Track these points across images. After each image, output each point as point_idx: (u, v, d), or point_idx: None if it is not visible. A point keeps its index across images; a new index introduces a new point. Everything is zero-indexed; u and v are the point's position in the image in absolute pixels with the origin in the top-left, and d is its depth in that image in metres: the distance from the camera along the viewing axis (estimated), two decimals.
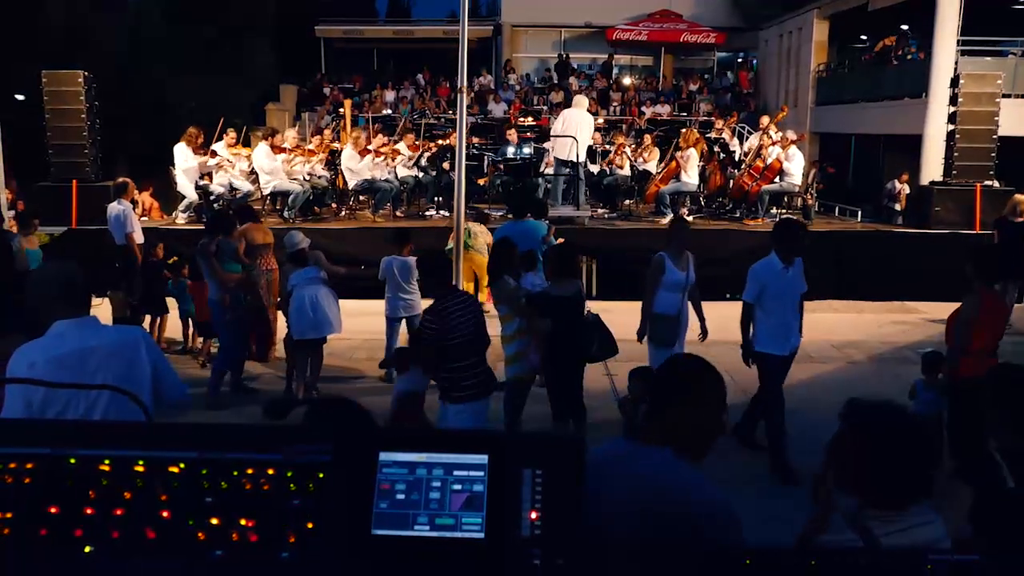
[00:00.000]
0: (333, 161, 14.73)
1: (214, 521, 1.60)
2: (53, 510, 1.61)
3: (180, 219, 13.43)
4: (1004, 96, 14.12)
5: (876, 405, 2.39)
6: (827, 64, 23.56)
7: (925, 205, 13.93)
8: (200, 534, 1.59)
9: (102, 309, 10.11)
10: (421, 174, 15.03)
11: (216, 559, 1.57)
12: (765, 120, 14.81)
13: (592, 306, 7.16)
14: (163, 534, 1.60)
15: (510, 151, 15.40)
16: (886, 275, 12.74)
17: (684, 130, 15.00)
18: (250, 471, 1.65)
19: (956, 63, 16.82)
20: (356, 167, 13.76)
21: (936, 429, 6.21)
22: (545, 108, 23.76)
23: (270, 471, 1.65)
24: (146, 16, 26.28)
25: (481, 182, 15.81)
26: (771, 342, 6.60)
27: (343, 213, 14.45)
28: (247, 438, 1.72)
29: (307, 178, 14.05)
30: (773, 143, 13.89)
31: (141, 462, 1.66)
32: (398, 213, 14.50)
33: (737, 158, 15.14)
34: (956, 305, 6.12)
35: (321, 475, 1.65)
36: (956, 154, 13.57)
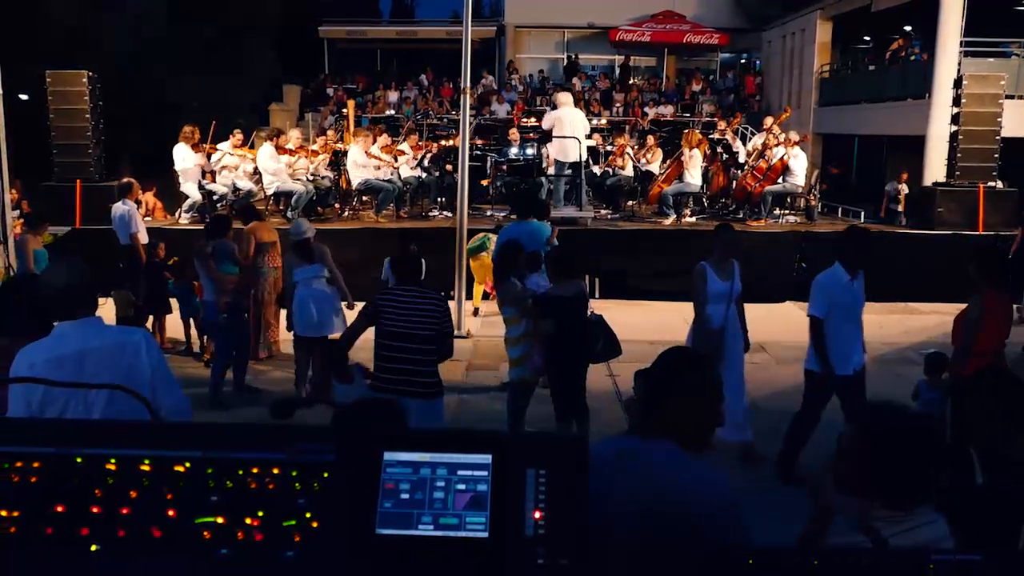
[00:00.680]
0: (336, 162, 14.75)
1: (219, 520, 1.61)
2: (59, 509, 1.62)
3: (183, 219, 13.46)
4: (1007, 97, 14.12)
5: (883, 406, 2.40)
6: (830, 65, 23.55)
7: (928, 206, 13.91)
8: (205, 533, 1.60)
9: (105, 309, 10.14)
10: (424, 174, 15.04)
11: (221, 558, 1.58)
12: (768, 121, 14.81)
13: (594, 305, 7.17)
14: (169, 533, 1.60)
15: (513, 152, 15.41)
16: (889, 276, 12.72)
17: (686, 131, 15.00)
18: (255, 470, 1.66)
19: (959, 64, 16.81)
20: (360, 161, 13.73)
21: (941, 430, 6.20)
22: (548, 109, 23.76)
23: (275, 470, 1.66)
24: (149, 16, 26.29)
25: (484, 183, 15.82)
26: (838, 360, 6.14)
27: (346, 213, 14.47)
28: (252, 438, 1.73)
29: (310, 179, 14.07)
30: (776, 144, 13.88)
31: (147, 461, 1.67)
32: (401, 213, 14.51)
33: (740, 159, 15.13)
34: (959, 306, 6.12)
35: (326, 475, 1.66)
36: (959, 155, 13.55)
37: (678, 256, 12.93)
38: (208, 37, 25.45)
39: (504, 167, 15.44)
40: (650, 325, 10.87)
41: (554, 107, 14.32)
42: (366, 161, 13.80)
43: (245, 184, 13.50)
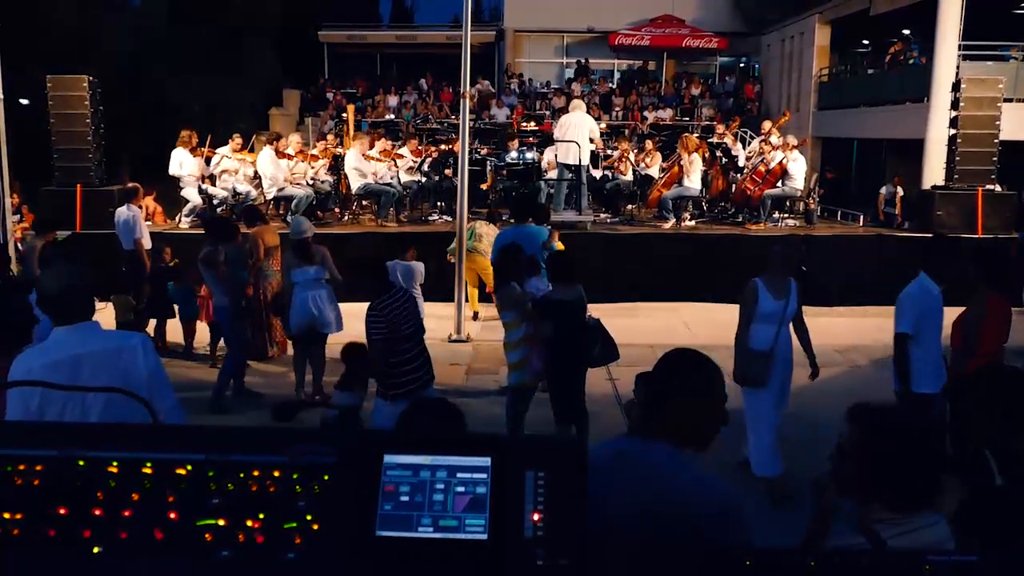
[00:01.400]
0: (336, 166, 14.76)
1: (221, 522, 1.62)
2: (62, 511, 1.63)
3: (184, 223, 13.47)
4: (1005, 100, 14.11)
5: (884, 408, 2.39)
6: (829, 69, 23.58)
7: (927, 209, 13.92)
8: (207, 535, 1.61)
9: (106, 313, 10.15)
10: (424, 179, 15.06)
11: (222, 560, 1.59)
12: (767, 125, 14.83)
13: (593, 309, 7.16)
14: (170, 535, 1.61)
15: (512, 156, 15.44)
16: (888, 279, 12.72)
17: (683, 136, 15.02)
18: (256, 473, 1.67)
19: (957, 67, 16.83)
20: (359, 166, 13.76)
21: (942, 432, 6.20)
22: (548, 113, 23.79)
23: (276, 473, 1.67)
24: (150, 20, 26.36)
25: (484, 187, 15.83)
26: (928, 379, 5.74)
27: (346, 218, 14.48)
28: (254, 440, 1.74)
29: (310, 183, 14.09)
30: (775, 148, 13.90)
31: (149, 464, 1.68)
32: (401, 218, 14.52)
33: (739, 163, 15.15)
34: (958, 309, 6.13)
35: (326, 477, 1.67)
36: (958, 158, 13.56)
37: (677, 260, 12.98)
38: (208, 41, 25.50)
39: (503, 171, 15.45)
40: (650, 329, 10.89)
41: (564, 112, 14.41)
42: (364, 166, 13.82)
43: (245, 188, 13.51)
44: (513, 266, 6.91)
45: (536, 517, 1.63)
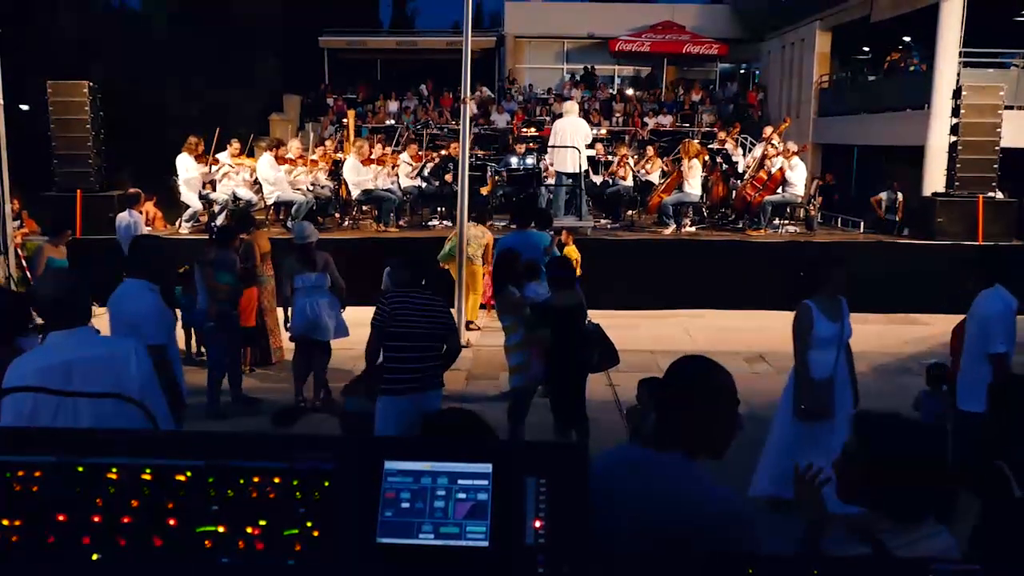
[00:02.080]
0: (336, 171, 14.77)
1: (220, 529, 1.61)
2: (61, 518, 1.62)
3: (184, 228, 13.47)
4: (1006, 108, 14.13)
5: (889, 416, 2.37)
6: (829, 75, 23.60)
7: (928, 216, 13.92)
8: (207, 542, 1.60)
9: (107, 318, 10.13)
10: (424, 184, 15.06)
11: (222, 567, 1.58)
12: (768, 131, 14.84)
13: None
14: (170, 542, 1.61)
15: (513, 161, 15.44)
16: (888, 286, 12.74)
17: (683, 142, 15.03)
18: (256, 479, 1.66)
19: (958, 75, 16.85)
20: (357, 179, 13.80)
21: (942, 441, 6.19)
22: (548, 119, 23.82)
23: (276, 479, 1.66)
24: (150, 26, 26.41)
25: (484, 191, 15.84)
26: (976, 397, 5.26)
27: (346, 223, 14.49)
28: (253, 446, 1.73)
29: (310, 188, 14.09)
30: (776, 154, 13.91)
31: (148, 470, 1.68)
32: (401, 223, 14.52)
33: (740, 169, 15.16)
34: (959, 317, 6.12)
35: (327, 483, 1.66)
36: (958, 165, 13.56)
37: (678, 266, 12.97)
38: (209, 47, 25.54)
39: (504, 176, 15.46)
40: (650, 335, 10.89)
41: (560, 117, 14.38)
42: (361, 173, 13.82)
43: (245, 193, 13.52)
44: (511, 271, 6.90)
45: (538, 524, 1.63)
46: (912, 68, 19.81)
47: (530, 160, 15.32)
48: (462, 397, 8.49)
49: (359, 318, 9.66)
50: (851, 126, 21.45)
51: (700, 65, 29.18)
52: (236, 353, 8.53)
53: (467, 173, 10.88)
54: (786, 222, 14.76)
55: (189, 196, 13.33)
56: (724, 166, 15.25)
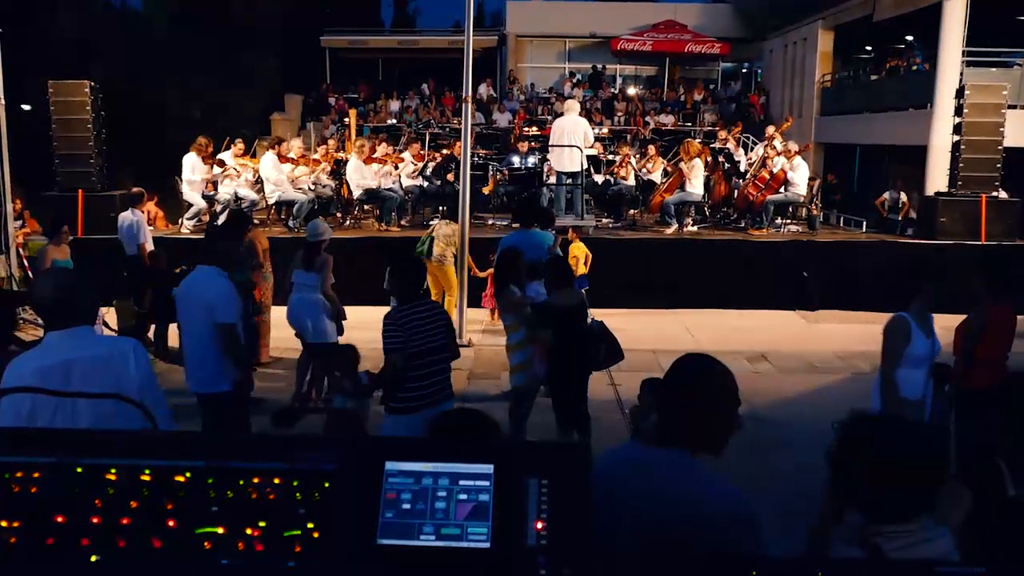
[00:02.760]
0: (338, 171, 14.77)
1: (220, 530, 1.60)
2: (59, 519, 1.62)
3: (186, 227, 13.47)
4: (1009, 107, 14.11)
5: (871, 417, 2.35)
6: (832, 75, 23.58)
7: (930, 216, 13.91)
8: (206, 543, 1.59)
9: (108, 318, 10.14)
10: (426, 183, 15.07)
11: (222, 568, 1.57)
12: (770, 130, 14.83)
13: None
14: (169, 543, 1.60)
15: (515, 161, 15.43)
16: (891, 285, 12.71)
17: (685, 141, 15.02)
18: (256, 480, 1.65)
19: (961, 74, 16.83)
20: (360, 179, 13.80)
21: (942, 440, 6.18)
22: (550, 118, 23.81)
23: (276, 480, 1.65)
24: (152, 26, 26.42)
25: (486, 191, 15.84)
26: None
27: (348, 223, 14.49)
28: (253, 447, 1.72)
29: (312, 188, 14.10)
30: (778, 153, 13.90)
31: (147, 471, 1.67)
32: (403, 222, 14.52)
33: (742, 168, 15.15)
34: (962, 316, 6.11)
35: (327, 484, 1.66)
36: (961, 165, 13.55)
37: (680, 265, 12.97)
38: (210, 46, 25.54)
39: (506, 175, 15.46)
40: (652, 334, 10.88)
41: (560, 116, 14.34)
42: (364, 172, 13.83)
43: (247, 193, 13.52)
44: (513, 270, 6.89)
45: (539, 525, 1.61)
46: (915, 67, 19.78)
47: (532, 159, 15.32)
48: (463, 397, 8.48)
49: (360, 318, 9.69)
50: (853, 125, 21.43)
51: (702, 64, 29.16)
52: (249, 353, 8.49)
53: (469, 172, 10.88)
54: (788, 221, 14.75)
55: (192, 195, 13.33)
56: (726, 165, 15.24)
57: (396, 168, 14.77)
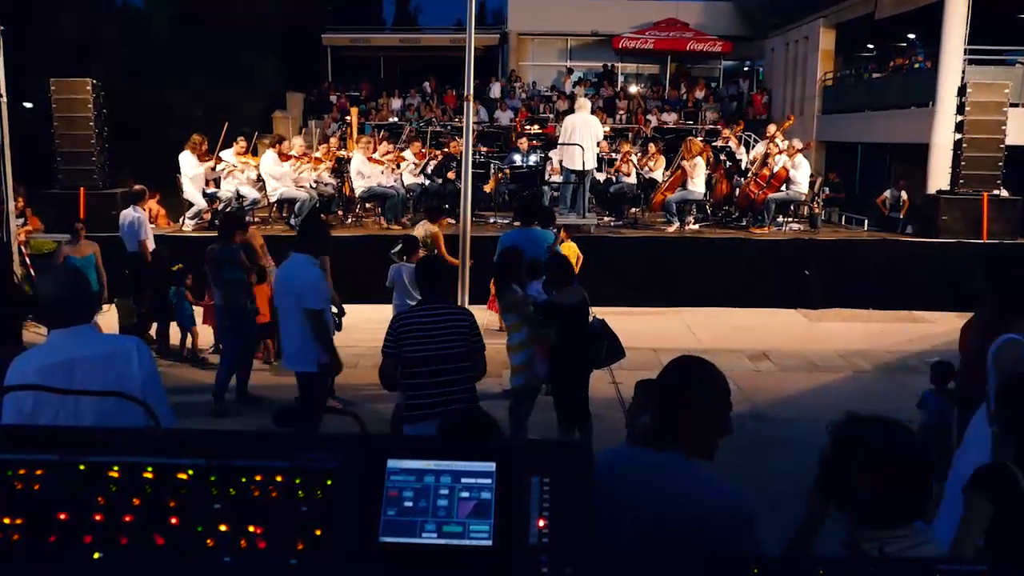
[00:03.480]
0: (340, 169, 14.77)
1: (223, 528, 1.61)
2: (62, 516, 1.62)
3: (187, 226, 13.47)
4: (1011, 105, 14.10)
5: (863, 420, 2.31)
6: (833, 73, 23.56)
7: (932, 214, 13.90)
8: (209, 541, 1.60)
9: (109, 316, 10.15)
10: (427, 182, 15.06)
11: (225, 565, 1.58)
12: (771, 128, 14.81)
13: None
14: (172, 541, 1.60)
15: (516, 159, 15.42)
16: (893, 284, 12.74)
17: (687, 140, 15.01)
18: (258, 478, 1.66)
19: (963, 72, 16.81)
20: (363, 176, 13.79)
21: (936, 443, 6.18)
22: (551, 116, 23.80)
23: (278, 478, 1.66)
24: (153, 24, 26.42)
25: (487, 189, 15.82)
26: None
27: (349, 220, 14.48)
28: (256, 445, 1.72)
29: (314, 185, 14.09)
30: (779, 152, 13.89)
31: (150, 469, 1.67)
32: (404, 220, 14.51)
33: (743, 166, 15.14)
34: (963, 314, 6.10)
35: (329, 482, 1.66)
36: (963, 163, 13.53)
37: (681, 263, 12.97)
38: (212, 45, 25.53)
39: (507, 173, 15.45)
40: (653, 333, 10.88)
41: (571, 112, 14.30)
42: (368, 169, 13.84)
43: (249, 191, 13.52)
44: (513, 269, 6.88)
45: (541, 523, 1.62)
46: (916, 65, 19.76)
47: (533, 157, 15.31)
48: None
49: (360, 316, 9.70)
50: (855, 123, 21.41)
51: (704, 62, 29.13)
52: (249, 350, 8.49)
53: (470, 170, 10.87)
54: (789, 220, 14.73)
55: (192, 194, 13.33)
56: (728, 164, 15.22)
57: (398, 167, 14.76)
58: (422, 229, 10.45)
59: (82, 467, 1.67)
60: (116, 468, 1.67)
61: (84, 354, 3.11)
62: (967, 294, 6.21)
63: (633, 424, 5.99)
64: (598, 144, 13.57)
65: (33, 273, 11.22)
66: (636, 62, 28.82)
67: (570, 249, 11.15)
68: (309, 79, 28.10)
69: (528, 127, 21.83)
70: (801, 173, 13.70)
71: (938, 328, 11.27)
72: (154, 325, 10.22)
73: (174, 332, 10.14)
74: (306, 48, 29.12)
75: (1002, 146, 13.55)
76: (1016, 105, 15.44)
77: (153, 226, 13.32)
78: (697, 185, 13.89)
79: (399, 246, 9.34)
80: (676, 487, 2.23)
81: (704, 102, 25.62)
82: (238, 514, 1.62)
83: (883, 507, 2.15)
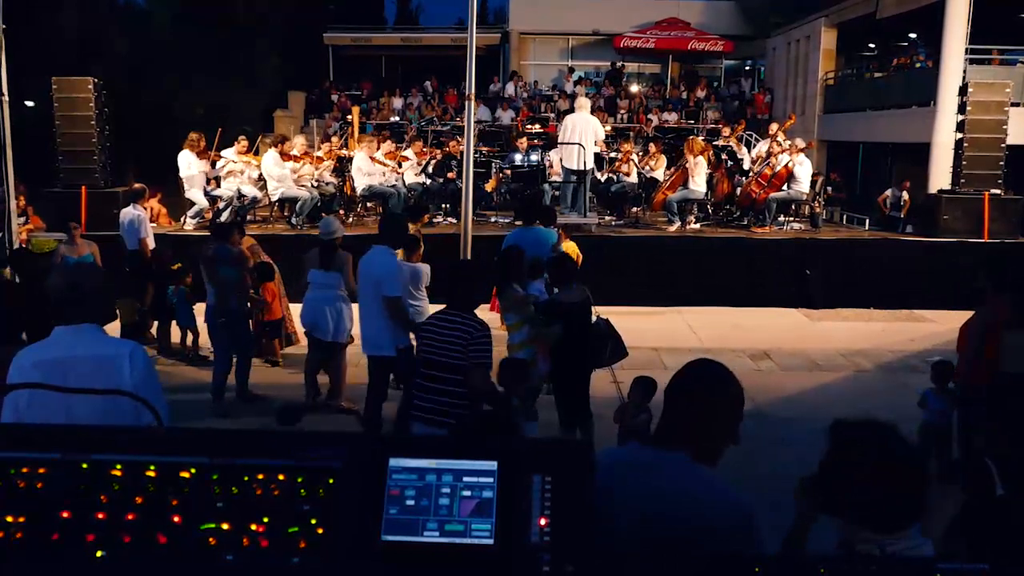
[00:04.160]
0: (341, 168, 14.77)
1: (225, 526, 1.61)
2: (65, 515, 1.62)
3: (189, 225, 13.48)
4: (1013, 105, 14.09)
5: (864, 424, 2.30)
6: (835, 72, 23.55)
7: (933, 213, 13.90)
8: (211, 539, 1.60)
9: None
10: (428, 181, 15.06)
11: (227, 564, 1.58)
12: (773, 128, 14.81)
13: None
14: (174, 539, 1.60)
15: (517, 158, 15.42)
16: (894, 283, 12.73)
17: (688, 139, 15.00)
18: (261, 476, 1.66)
19: (964, 71, 16.80)
20: (365, 174, 13.80)
21: (936, 442, 6.19)
22: (552, 116, 23.79)
23: (281, 476, 1.66)
24: (155, 22, 26.42)
25: (488, 188, 15.82)
26: None
27: (351, 219, 14.48)
28: (258, 444, 1.72)
29: (315, 185, 14.09)
30: (781, 151, 13.88)
31: (152, 467, 1.67)
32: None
33: (745, 166, 15.13)
34: (965, 314, 6.11)
35: (331, 481, 1.66)
36: (964, 162, 13.54)
37: (682, 263, 12.96)
38: (214, 44, 25.52)
39: (508, 173, 15.44)
40: (655, 332, 10.88)
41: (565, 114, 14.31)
42: (371, 168, 13.84)
43: (250, 190, 13.52)
44: (514, 268, 6.88)
45: (543, 522, 1.62)
46: (918, 65, 19.75)
47: (534, 156, 15.30)
48: None
49: (357, 316, 9.69)
50: (856, 123, 21.40)
51: (705, 62, 29.12)
52: (247, 348, 8.48)
53: (472, 169, 10.88)
54: (791, 219, 14.73)
55: (193, 193, 13.33)
56: (729, 163, 15.22)
57: (400, 167, 14.76)
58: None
59: (85, 466, 1.67)
60: (119, 467, 1.67)
61: (79, 354, 3.10)
62: (968, 293, 6.20)
63: (628, 421, 6.02)
64: (596, 143, 13.56)
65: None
66: (637, 61, 28.80)
67: (570, 249, 11.14)
68: (310, 78, 28.09)
69: (529, 126, 21.82)
70: (802, 172, 13.69)
71: (939, 327, 11.26)
72: (155, 324, 10.22)
73: (175, 331, 10.14)
74: (307, 47, 29.10)
75: (1003, 145, 13.55)
76: (1017, 104, 15.43)
77: (154, 225, 13.33)
78: (698, 184, 13.88)
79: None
80: (679, 488, 2.22)
81: (705, 101, 25.59)
82: (240, 513, 1.62)
83: (881, 510, 2.14)
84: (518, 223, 10.05)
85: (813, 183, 14.55)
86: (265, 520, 1.62)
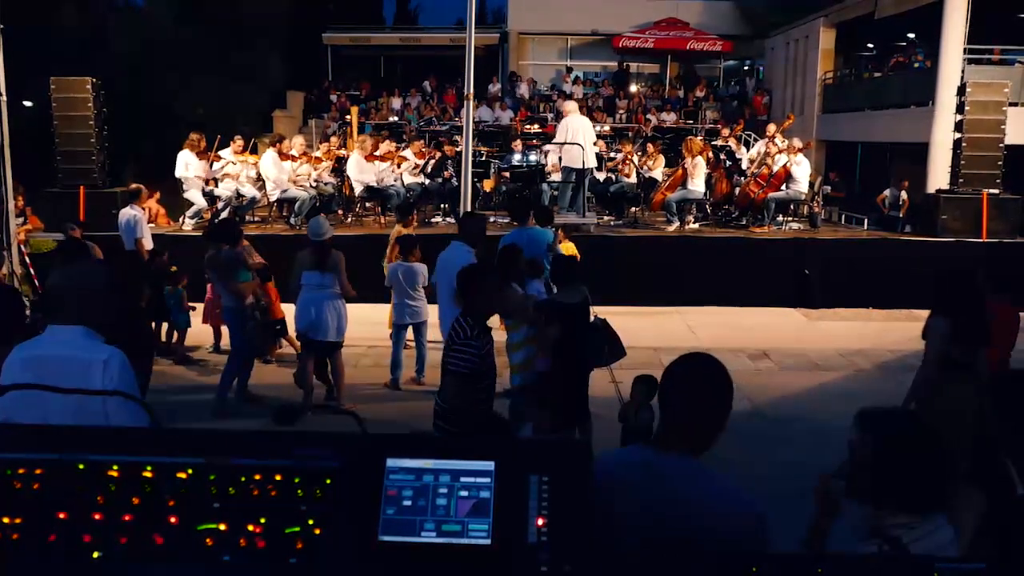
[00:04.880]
0: (340, 168, 14.77)
1: (222, 527, 1.61)
2: (62, 516, 1.62)
3: (187, 225, 13.47)
4: (1011, 104, 14.10)
5: (890, 412, 2.38)
6: (833, 72, 23.56)
7: (932, 213, 13.91)
8: (208, 540, 1.60)
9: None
10: (427, 181, 15.06)
11: (224, 565, 1.58)
12: (771, 128, 14.82)
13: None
14: (171, 540, 1.60)
15: (516, 158, 15.42)
16: (893, 283, 12.73)
17: (688, 138, 15.00)
18: (258, 477, 1.66)
19: (963, 71, 16.81)
20: (360, 175, 13.80)
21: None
22: (551, 116, 23.78)
23: (278, 477, 1.66)
24: (154, 22, 26.40)
25: (488, 187, 15.81)
26: None
27: (349, 220, 14.48)
28: (255, 444, 1.72)
29: (313, 185, 14.09)
30: (779, 151, 13.88)
31: (149, 468, 1.67)
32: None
33: (743, 166, 15.13)
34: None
35: (329, 481, 1.66)
36: (963, 162, 13.54)
37: (681, 263, 12.96)
38: (212, 43, 25.50)
39: (507, 173, 15.45)
40: (653, 332, 10.88)
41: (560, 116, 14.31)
42: (365, 168, 13.82)
43: (248, 190, 13.51)
44: (513, 268, 6.88)
45: (540, 522, 1.62)
46: (916, 65, 19.76)
47: (533, 156, 15.30)
48: None
49: (360, 315, 9.68)
50: (855, 123, 21.41)
51: (704, 62, 29.12)
52: (249, 350, 8.47)
53: (470, 169, 10.88)
54: (790, 219, 14.74)
55: (193, 193, 13.32)
56: (728, 163, 15.22)
57: (399, 166, 14.76)
58: (394, 230, 10.48)
59: (81, 466, 1.67)
60: (116, 467, 1.67)
61: (55, 353, 3.07)
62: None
63: (630, 420, 6.02)
64: (595, 143, 13.57)
65: (33, 272, 11.23)
66: (636, 61, 28.81)
67: (568, 249, 11.15)
68: (309, 78, 28.08)
69: (527, 127, 21.82)
70: (801, 172, 13.69)
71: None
72: (153, 324, 10.21)
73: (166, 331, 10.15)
74: (306, 47, 29.09)
75: (1002, 145, 13.56)
76: (1016, 104, 15.44)
77: (153, 225, 13.33)
78: (697, 184, 13.88)
79: None
80: (684, 488, 2.22)
81: (704, 101, 25.60)
82: (237, 513, 1.62)
83: (910, 495, 2.21)
84: (514, 224, 10.04)
85: (812, 183, 14.56)
86: (262, 521, 1.62)
